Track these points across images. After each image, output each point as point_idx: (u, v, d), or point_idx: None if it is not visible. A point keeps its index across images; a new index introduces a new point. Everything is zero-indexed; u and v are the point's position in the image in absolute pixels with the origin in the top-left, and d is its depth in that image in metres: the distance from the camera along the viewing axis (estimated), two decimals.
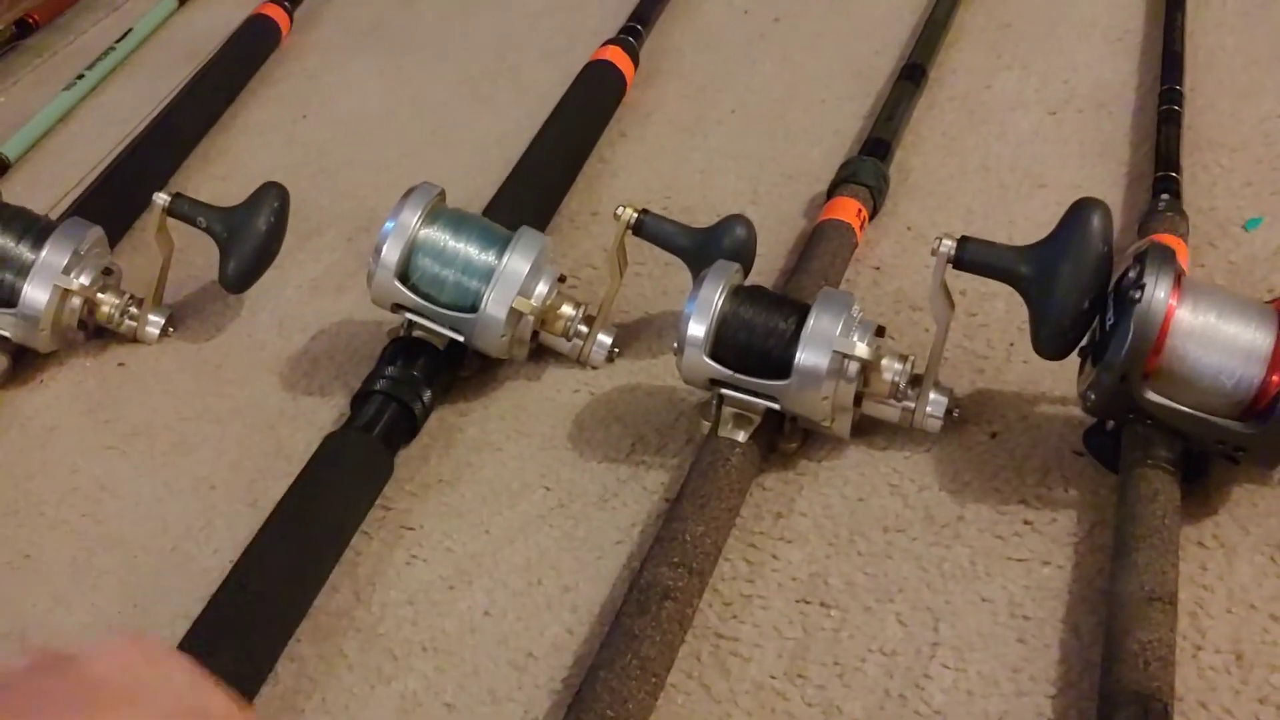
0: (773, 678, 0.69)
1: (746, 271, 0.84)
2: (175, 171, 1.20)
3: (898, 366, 0.76)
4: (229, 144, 1.26)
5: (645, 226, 0.86)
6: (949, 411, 0.77)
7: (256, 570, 0.75)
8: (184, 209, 0.95)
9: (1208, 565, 0.69)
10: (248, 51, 1.37)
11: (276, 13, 1.40)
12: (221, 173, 1.22)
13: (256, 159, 1.24)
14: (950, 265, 0.74)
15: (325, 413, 0.92)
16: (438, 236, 0.85)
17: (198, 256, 1.03)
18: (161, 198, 0.95)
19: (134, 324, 1.00)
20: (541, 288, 0.85)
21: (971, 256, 0.74)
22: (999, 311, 0.87)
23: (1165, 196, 0.89)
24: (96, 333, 1.01)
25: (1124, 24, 1.13)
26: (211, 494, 0.87)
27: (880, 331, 0.77)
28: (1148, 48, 1.08)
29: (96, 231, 0.97)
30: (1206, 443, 0.70)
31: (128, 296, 1.00)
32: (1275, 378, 0.67)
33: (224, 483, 0.87)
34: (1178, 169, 0.93)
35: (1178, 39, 1.05)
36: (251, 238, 0.94)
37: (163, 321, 1.01)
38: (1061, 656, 0.67)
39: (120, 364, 1.00)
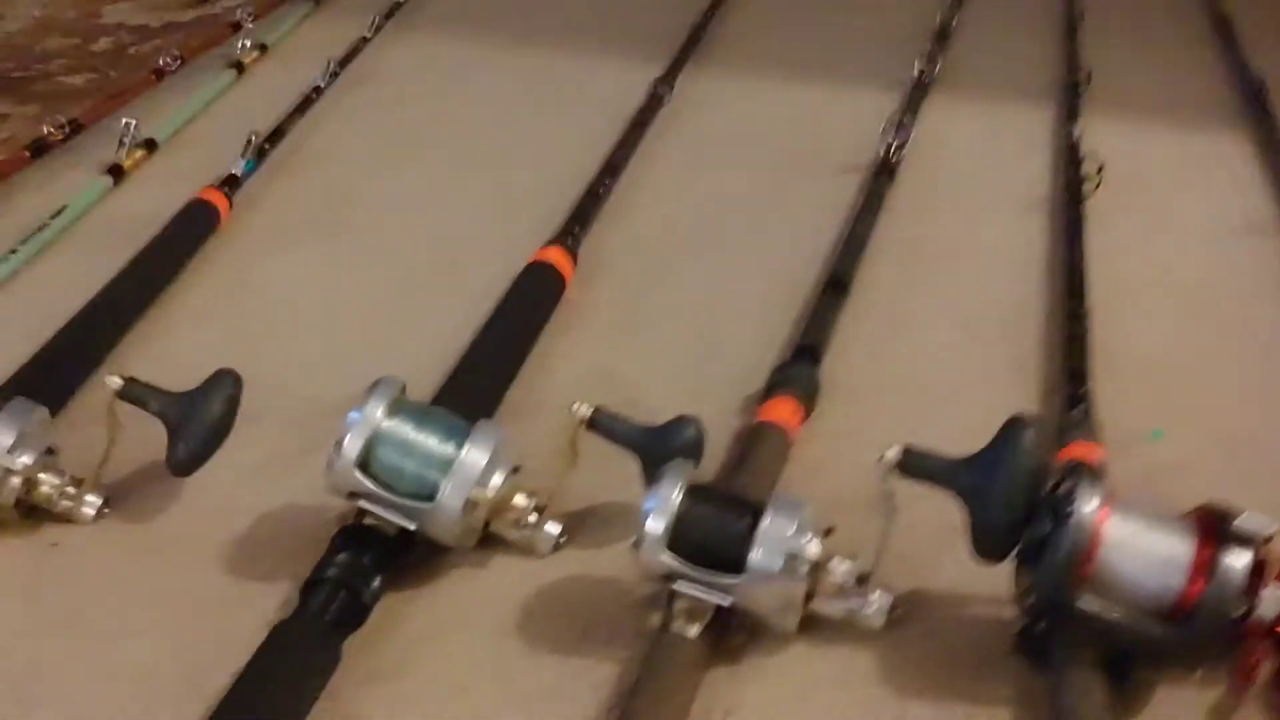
0: None
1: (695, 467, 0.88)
2: (113, 350, 1.20)
3: (845, 567, 0.80)
4: (167, 325, 1.27)
5: (599, 423, 0.90)
6: (891, 610, 0.81)
7: None
8: (136, 393, 0.96)
9: None
10: (187, 234, 1.38)
11: (216, 197, 1.43)
12: (158, 353, 1.23)
13: (193, 341, 1.25)
14: (895, 472, 0.80)
15: (269, 599, 0.91)
16: (401, 428, 0.87)
17: (137, 437, 1.03)
18: (114, 381, 0.96)
19: (70, 504, 0.99)
20: (497, 479, 0.88)
21: (913, 465, 0.80)
22: (928, 512, 0.92)
23: (1081, 407, 0.96)
24: (28, 511, 1.00)
25: (1027, 247, 1.23)
26: (153, 683, 0.85)
27: (829, 532, 0.81)
28: (1051, 268, 1.18)
29: (42, 412, 0.97)
30: (1132, 645, 0.75)
31: (68, 477, 0.99)
32: (1196, 585, 0.73)
33: (166, 671, 0.86)
34: (1086, 382, 1.01)
35: (1079, 261, 1.15)
36: (203, 423, 0.95)
37: (100, 502, 1.00)
38: None
39: (53, 544, 0.99)
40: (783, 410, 1.00)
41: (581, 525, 0.95)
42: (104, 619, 0.91)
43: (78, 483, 0.99)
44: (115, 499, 1.02)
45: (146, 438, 0.96)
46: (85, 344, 1.18)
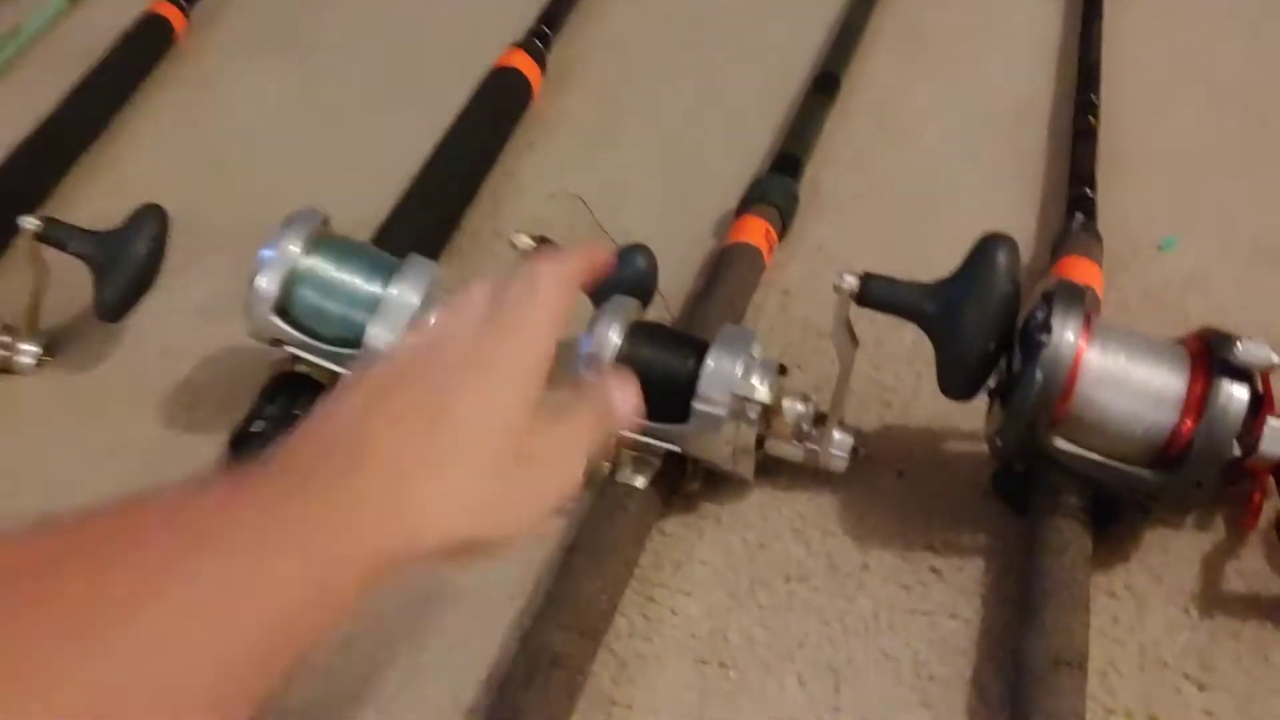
0: None
1: (646, 304, 0.80)
2: (58, 185, 1.14)
3: (800, 408, 0.73)
4: (118, 154, 1.20)
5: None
6: (854, 451, 0.74)
7: None
8: (56, 235, 0.89)
9: (1119, 617, 0.66)
10: (138, 53, 1.29)
11: (171, 11, 1.33)
12: (109, 186, 1.16)
13: (146, 171, 1.17)
14: (854, 302, 0.71)
15: (208, 450, 0.86)
16: (320, 267, 0.80)
17: (81, 279, 0.97)
18: (30, 222, 0.89)
19: (6, 353, 0.94)
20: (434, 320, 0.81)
21: (874, 294, 0.71)
22: (906, 342, 0.84)
23: (1079, 216, 0.86)
24: None
25: (1041, 35, 1.10)
26: None
27: (782, 370, 0.73)
28: (1064, 59, 1.06)
29: None
30: (1117, 490, 0.67)
31: (2, 325, 0.94)
32: (1187, 424, 0.64)
33: None
34: (1093, 186, 0.90)
35: (1094, 49, 1.02)
36: (128, 264, 0.88)
37: (39, 350, 0.95)
38: None
39: None
40: (755, 229, 0.91)
41: None
42: (43, 474, 0.87)
43: (13, 331, 0.94)
44: (58, 347, 0.97)
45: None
46: (26, 180, 1.11)
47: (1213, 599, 0.66)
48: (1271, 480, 0.67)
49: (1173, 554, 0.69)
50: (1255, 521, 0.68)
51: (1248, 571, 0.67)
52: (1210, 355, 0.65)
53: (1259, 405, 0.64)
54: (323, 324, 0.80)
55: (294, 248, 0.79)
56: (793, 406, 0.73)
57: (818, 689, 0.66)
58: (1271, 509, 0.68)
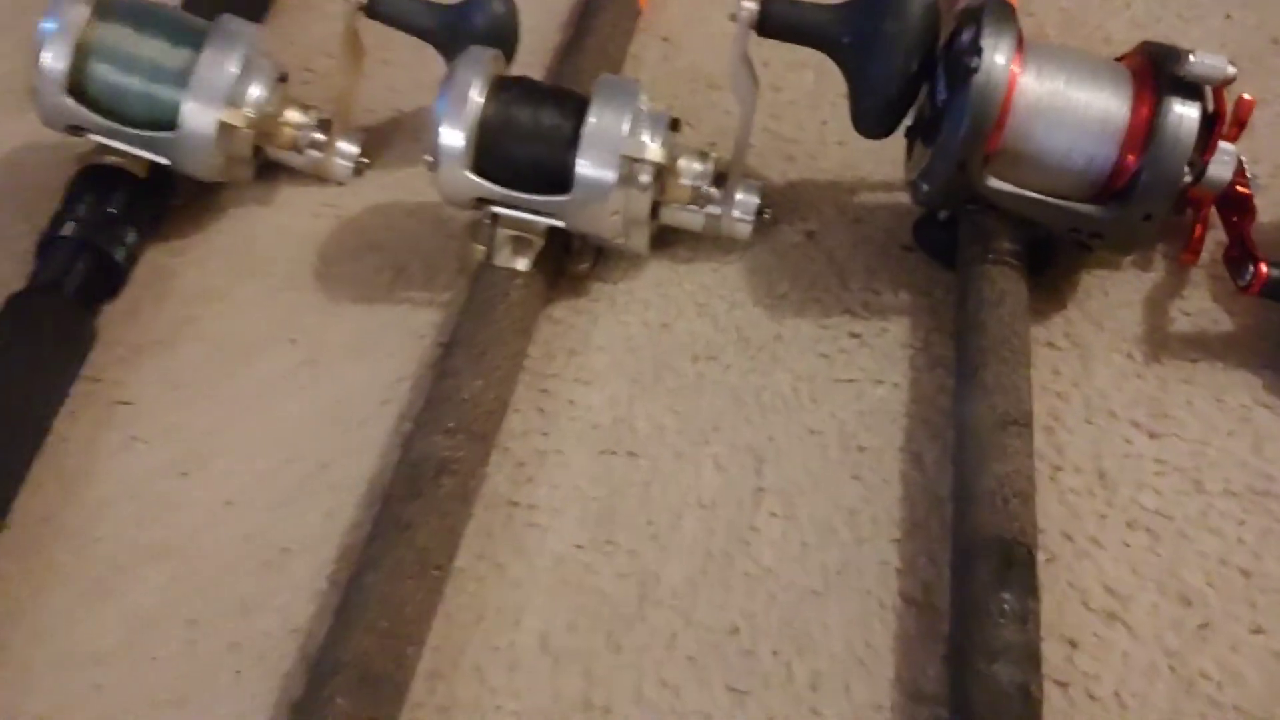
0: (578, 547, 0.58)
1: (510, 56, 0.69)
2: None
3: (698, 167, 0.64)
4: None
5: (379, 6, 0.70)
6: (760, 213, 0.66)
7: None
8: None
9: (1061, 369, 0.61)
10: None
11: None
12: None
13: None
14: (753, 33, 0.62)
15: (9, 266, 0.74)
16: (114, 35, 0.67)
17: None
18: None
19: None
20: (256, 91, 0.69)
21: (777, 20, 0.61)
22: (808, 84, 0.75)
23: None
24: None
25: None
26: None
27: (675, 125, 0.64)
28: None
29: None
30: (1058, 230, 0.61)
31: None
32: (1131, 156, 0.57)
33: None
34: None
35: None
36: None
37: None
38: (904, 493, 0.58)
39: None
40: None
41: (386, 141, 0.77)
42: None
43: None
44: None
45: None
46: None
47: (1159, 342, 0.61)
48: (1215, 211, 0.62)
49: (1113, 298, 0.63)
50: (1196, 257, 0.62)
51: (1194, 310, 0.62)
52: (1156, 72, 0.58)
53: (1210, 126, 0.58)
54: (125, 103, 0.67)
55: (79, 15, 0.66)
56: (690, 165, 0.64)
57: (737, 471, 0.60)
58: (1212, 242, 0.63)
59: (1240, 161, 0.60)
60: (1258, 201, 0.62)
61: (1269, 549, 0.54)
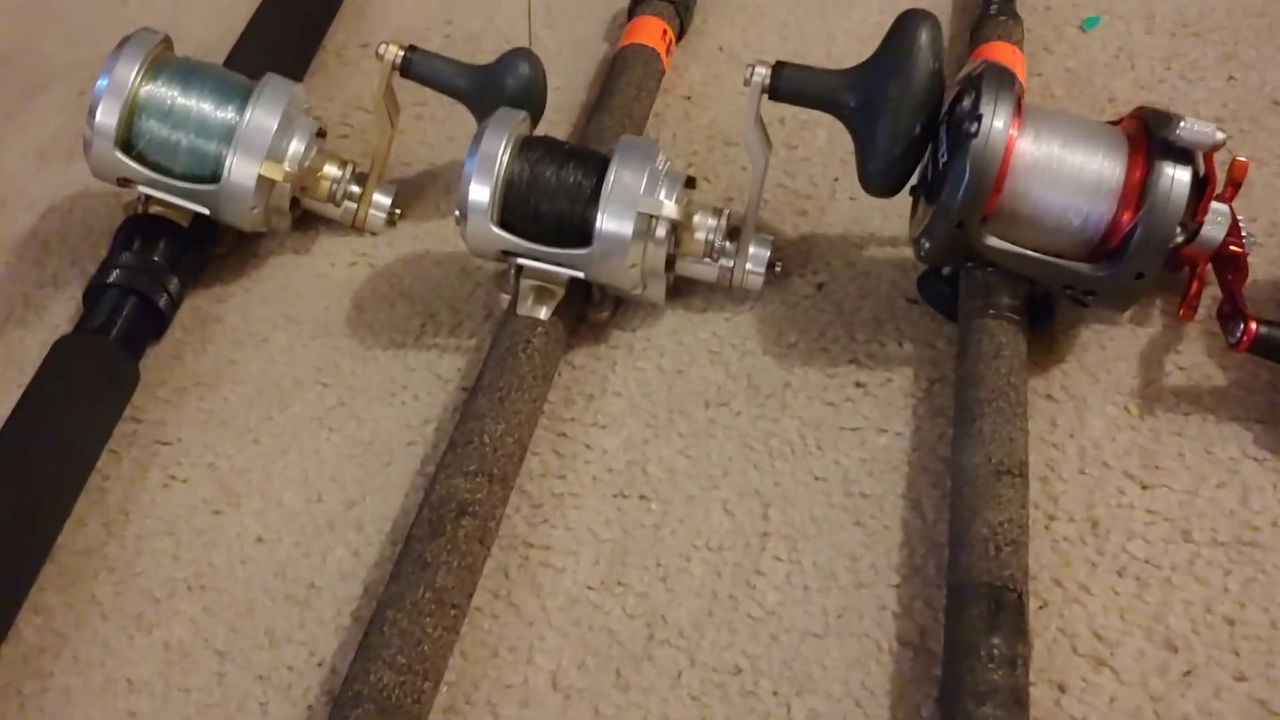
0: (589, 588, 0.61)
1: (537, 117, 0.73)
2: None
3: (712, 222, 0.67)
4: None
5: (413, 66, 0.74)
6: (771, 265, 0.69)
7: None
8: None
9: (1058, 421, 0.63)
10: None
11: None
12: None
13: None
14: (765, 96, 0.65)
15: (60, 309, 0.78)
16: (163, 93, 0.71)
17: None
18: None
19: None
20: (295, 146, 0.72)
21: (788, 85, 0.64)
22: (820, 142, 0.78)
23: None
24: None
25: None
26: None
27: (691, 183, 0.67)
28: None
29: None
30: (1053, 287, 0.63)
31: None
32: (1126, 214, 0.60)
33: None
34: None
35: None
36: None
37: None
38: (904, 539, 0.60)
39: None
40: (650, 30, 0.83)
41: (419, 193, 0.81)
42: None
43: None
44: None
45: None
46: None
47: (1153, 395, 0.63)
48: (1210, 269, 0.64)
49: (1109, 351, 0.65)
50: (1193, 313, 0.64)
51: (1188, 364, 0.64)
52: (1149, 137, 0.60)
53: (1202, 188, 0.60)
54: (172, 157, 0.71)
55: (131, 74, 0.70)
56: (704, 221, 0.67)
57: (745, 515, 0.62)
58: (1209, 298, 0.65)
59: (1236, 221, 0.62)
60: (1254, 259, 0.63)
61: (1253, 597, 0.55)
